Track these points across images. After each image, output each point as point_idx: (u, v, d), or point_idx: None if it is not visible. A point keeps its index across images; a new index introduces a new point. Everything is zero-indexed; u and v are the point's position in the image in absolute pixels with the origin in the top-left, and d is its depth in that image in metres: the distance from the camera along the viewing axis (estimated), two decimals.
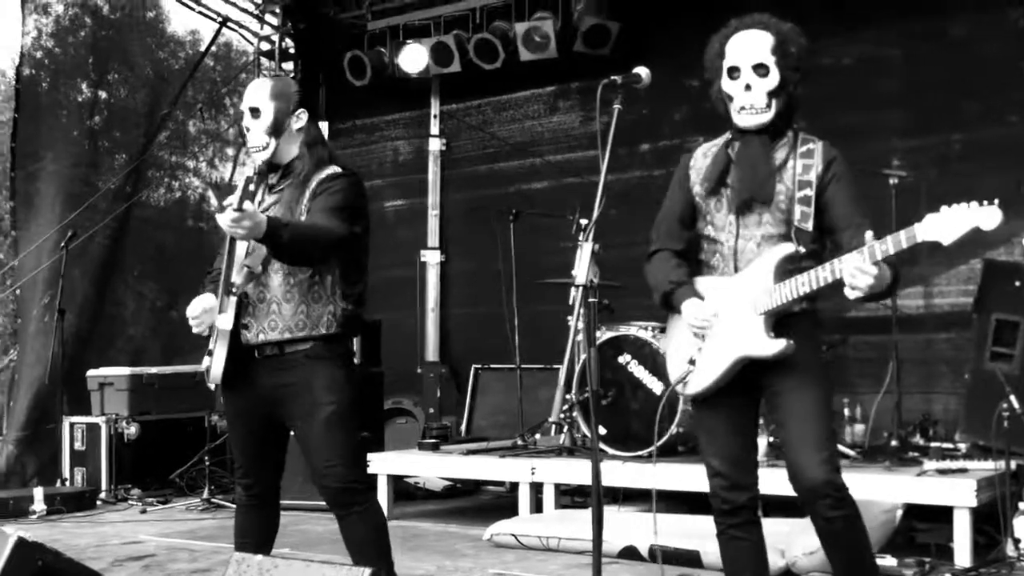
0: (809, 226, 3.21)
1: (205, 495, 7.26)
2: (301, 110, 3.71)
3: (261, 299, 3.58)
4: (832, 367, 6.54)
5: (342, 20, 9.43)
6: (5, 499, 7.16)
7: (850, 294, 2.97)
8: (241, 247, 3.54)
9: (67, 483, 7.80)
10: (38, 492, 7.08)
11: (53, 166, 9.18)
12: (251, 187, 3.27)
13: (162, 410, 8.14)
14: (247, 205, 3.23)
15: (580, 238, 6.64)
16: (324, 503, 6.92)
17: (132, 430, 7.84)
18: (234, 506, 7.17)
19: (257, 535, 3.87)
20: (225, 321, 3.53)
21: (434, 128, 9.49)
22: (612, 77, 3.49)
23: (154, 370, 8.25)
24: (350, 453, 3.61)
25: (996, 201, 2.78)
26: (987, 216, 2.77)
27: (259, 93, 3.67)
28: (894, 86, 7.28)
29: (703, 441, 3.43)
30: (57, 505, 7.06)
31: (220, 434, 7.75)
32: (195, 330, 3.65)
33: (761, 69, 3.26)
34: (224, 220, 3.22)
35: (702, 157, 3.48)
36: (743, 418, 3.34)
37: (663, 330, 6.35)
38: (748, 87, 3.29)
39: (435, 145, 9.46)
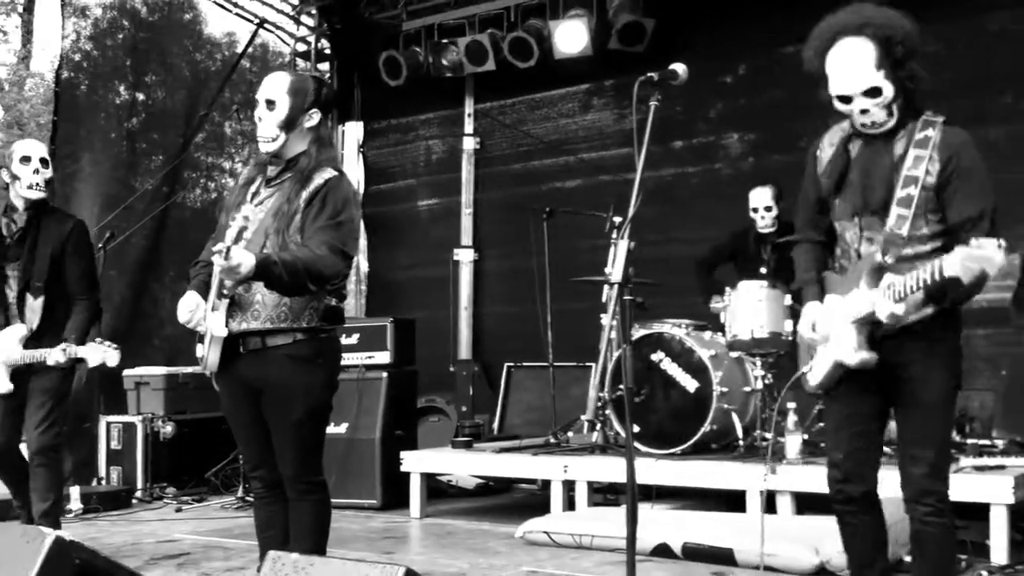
0: (904, 231, 3.17)
1: (240, 493, 7.30)
2: (314, 109, 3.75)
3: (246, 290, 3.64)
4: None
5: (377, 20, 9.46)
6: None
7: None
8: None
9: (103, 482, 7.87)
10: (74, 491, 7.13)
11: (91, 168, 9.26)
12: (244, 235, 3.38)
13: (197, 409, 8.18)
14: (235, 251, 3.31)
15: (614, 236, 6.63)
16: (358, 501, 7.02)
17: (168, 429, 7.88)
18: None
19: (279, 527, 3.87)
20: (217, 323, 3.61)
21: (468, 127, 9.50)
22: (649, 73, 3.50)
23: (189, 370, 8.27)
24: (310, 455, 3.77)
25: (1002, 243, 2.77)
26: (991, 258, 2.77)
27: (276, 86, 3.72)
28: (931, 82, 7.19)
29: (827, 432, 3.56)
30: (93, 504, 7.11)
31: None
32: (190, 326, 3.72)
33: (873, 92, 3.17)
34: (216, 265, 3.36)
35: (828, 147, 3.44)
36: (865, 413, 3.36)
37: (697, 327, 6.33)
38: (865, 111, 3.21)
39: (469, 144, 9.47)
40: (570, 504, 6.06)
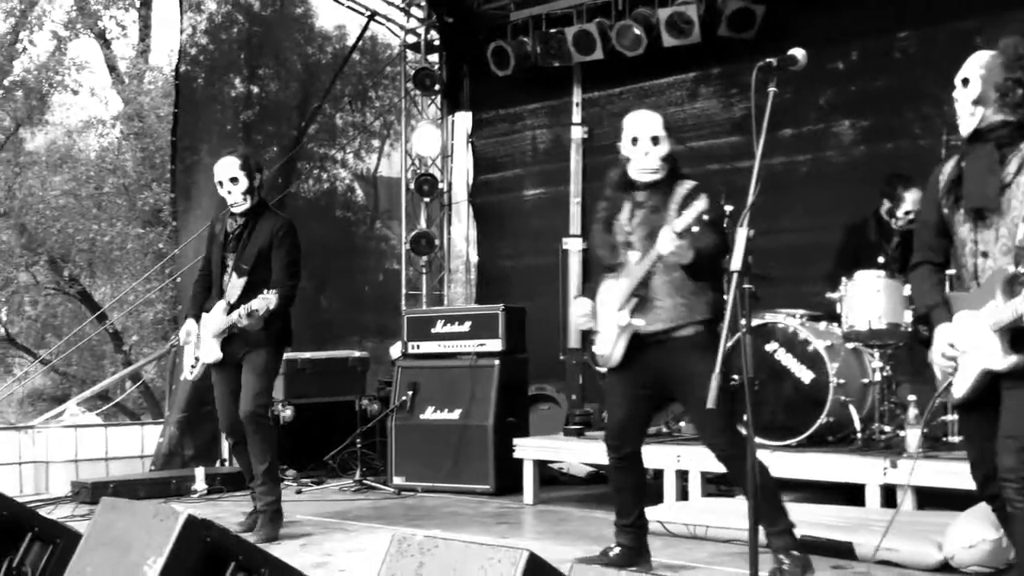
0: None
1: (357, 476, 7.46)
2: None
3: (647, 296, 4.35)
4: None
5: (486, 11, 9.54)
6: (168, 479, 7.50)
7: None
8: (633, 257, 4.35)
9: (225, 464, 8.12)
10: (199, 472, 7.38)
11: (209, 159, 9.46)
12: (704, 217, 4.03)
13: (315, 394, 8.37)
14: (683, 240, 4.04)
15: (723, 225, 6.56)
16: (471, 486, 7.14)
17: (287, 413, 8.08)
18: (386, 488, 7.44)
19: (630, 491, 4.64)
20: (624, 318, 4.36)
21: (576, 116, 9.51)
22: (767, 59, 3.49)
23: (308, 355, 8.49)
24: (727, 425, 4.35)
25: None
26: None
27: (655, 124, 4.46)
28: None
29: (965, 443, 3.75)
30: (217, 485, 7.34)
31: (370, 418, 7.96)
32: (582, 327, 4.63)
33: (964, 83, 3.51)
34: (666, 247, 4.07)
35: (947, 168, 3.61)
36: (996, 420, 3.45)
37: (812, 318, 6.25)
38: (956, 99, 3.55)
39: (577, 133, 9.48)
40: (683, 494, 6.05)
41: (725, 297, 4.19)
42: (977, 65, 3.48)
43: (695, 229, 3.98)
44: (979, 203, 3.42)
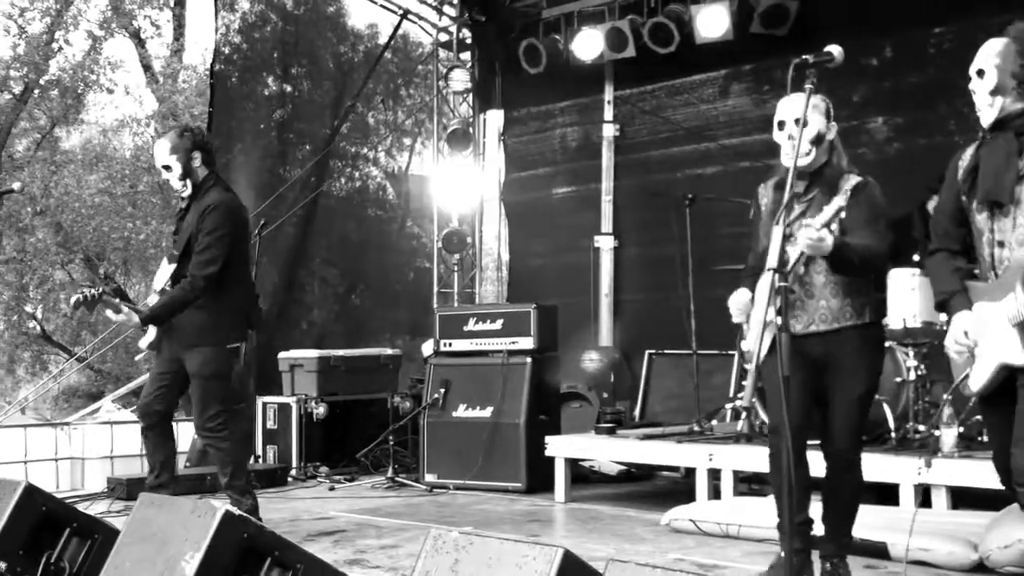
0: None
1: (389, 474, 7.49)
2: (831, 124, 4.07)
3: (809, 296, 4.06)
4: None
5: (518, 9, 9.54)
6: (203, 475, 7.54)
7: None
8: (792, 252, 3.86)
9: (260, 460, 8.18)
10: None
11: (243, 157, 9.58)
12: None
13: (348, 391, 8.43)
14: (825, 231, 3.68)
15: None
16: (503, 484, 7.15)
17: (320, 410, 8.15)
18: (418, 485, 7.47)
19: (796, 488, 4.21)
20: (769, 314, 3.91)
21: (608, 114, 9.50)
22: (804, 56, 3.50)
23: (341, 353, 8.55)
24: (859, 430, 4.14)
25: None
26: None
27: (796, 107, 3.90)
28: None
29: (988, 435, 3.73)
30: (252, 481, 7.38)
31: (402, 415, 7.99)
32: (735, 320, 4.23)
33: (979, 74, 3.43)
34: (803, 239, 3.71)
35: (967, 155, 3.56)
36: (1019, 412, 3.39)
37: None
38: (973, 91, 3.47)
39: (608, 131, 9.48)
40: (715, 493, 6.03)
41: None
42: (991, 54, 3.42)
43: (834, 226, 3.71)
44: (994, 196, 3.38)
